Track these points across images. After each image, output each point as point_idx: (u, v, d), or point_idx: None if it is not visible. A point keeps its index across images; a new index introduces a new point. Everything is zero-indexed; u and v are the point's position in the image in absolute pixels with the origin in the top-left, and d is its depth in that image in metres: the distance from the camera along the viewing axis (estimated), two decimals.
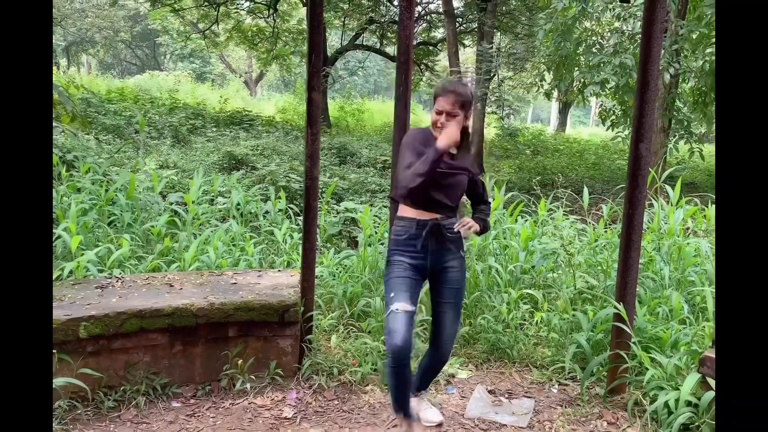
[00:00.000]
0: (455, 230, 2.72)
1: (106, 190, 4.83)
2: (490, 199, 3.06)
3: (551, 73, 13.81)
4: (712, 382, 2.80)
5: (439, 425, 3.07)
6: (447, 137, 2.53)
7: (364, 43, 21.49)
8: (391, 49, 21.52)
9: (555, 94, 16.53)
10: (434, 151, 2.52)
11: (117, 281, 3.49)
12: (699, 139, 11.68)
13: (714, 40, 9.37)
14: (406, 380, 2.62)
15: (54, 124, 7.42)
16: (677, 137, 11.44)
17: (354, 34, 20.35)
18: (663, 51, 10.98)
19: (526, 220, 5.07)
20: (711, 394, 2.75)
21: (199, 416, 3.09)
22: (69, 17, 30.86)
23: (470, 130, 2.83)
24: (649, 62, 3.20)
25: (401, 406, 2.70)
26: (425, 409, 3.10)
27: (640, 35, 12.18)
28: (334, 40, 23.35)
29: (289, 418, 3.10)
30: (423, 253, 2.70)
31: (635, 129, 3.21)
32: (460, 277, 2.80)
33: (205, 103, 19.50)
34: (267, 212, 5.66)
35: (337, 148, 13.44)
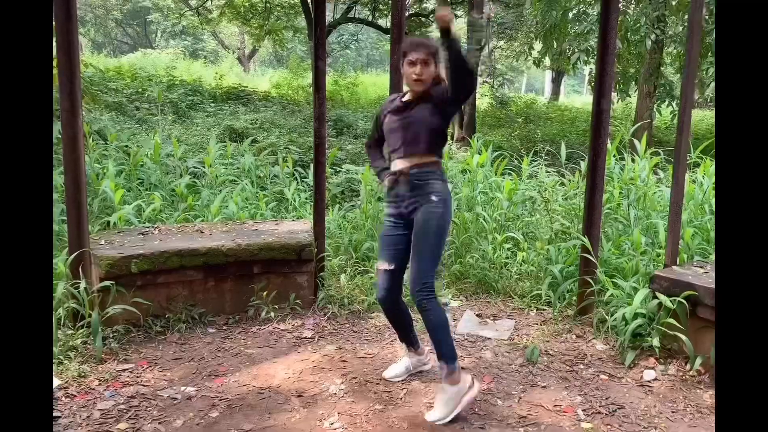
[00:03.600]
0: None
1: (133, 156, 5.37)
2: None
3: (539, 41, 14.25)
4: (660, 295, 3.38)
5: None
6: (383, 184, 3.07)
7: (357, 17, 21.77)
8: (384, 22, 21.82)
9: (547, 62, 16.94)
10: (377, 172, 3.12)
11: (155, 229, 4.05)
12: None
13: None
14: (395, 320, 3.12)
15: None
16: (659, 101, 11.95)
17: (346, 7, 20.63)
18: (645, 18, 11.44)
19: (511, 176, 5.64)
20: (655, 302, 3.35)
21: (232, 339, 3.67)
22: None
23: (440, 75, 2.88)
24: (608, 28, 3.72)
25: (402, 339, 3.20)
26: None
27: (620, 3, 12.59)
28: (326, 13, 23.56)
29: (308, 338, 3.69)
30: (397, 200, 2.94)
31: (597, 87, 3.75)
32: (427, 219, 2.83)
33: (201, 80, 19.81)
34: (275, 176, 6.20)
35: (333, 121, 13.87)
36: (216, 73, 22.31)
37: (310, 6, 18.21)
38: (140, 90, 15.24)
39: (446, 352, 2.81)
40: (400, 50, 2.93)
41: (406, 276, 2.97)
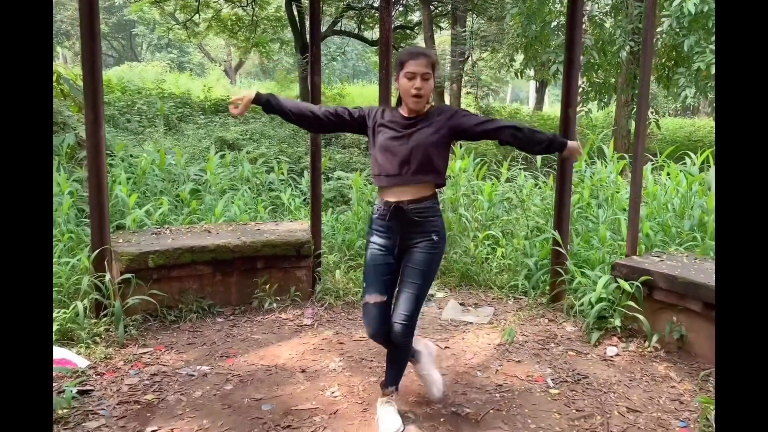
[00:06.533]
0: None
1: (140, 165, 5.76)
2: (504, 122, 2.70)
3: (520, 53, 14.79)
4: (620, 281, 3.82)
5: None
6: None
7: (343, 29, 22.26)
8: (369, 34, 22.34)
9: (531, 73, 17.49)
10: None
11: (166, 230, 4.43)
12: (656, 111, 12.77)
13: (664, 19, 10.39)
14: (388, 357, 2.85)
15: (69, 113, 8.26)
16: (634, 110, 12.49)
17: (332, 20, 21.11)
18: (620, 30, 12.00)
19: (491, 180, 6.08)
20: (614, 285, 3.79)
21: (238, 326, 4.06)
22: None
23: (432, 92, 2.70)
24: (573, 44, 4.18)
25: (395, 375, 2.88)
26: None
27: (597, 17, 13.09)
28: (320, 31, 24.01)
29: (308, 325, 4.08)
30: (390, 233, 2.70)
31: (564, 96, 4.20)
32: (428, 260, 2.68)
33: (190, 93, 20.14)
34: (270, 183, 6.60)
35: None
36: (204, 86, 22.68)
37: (297, 20, 18.67)
38: (130, 103, 15.57)
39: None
40: (397, 60, 2.63)
41: None
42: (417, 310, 2.70)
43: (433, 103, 2.73)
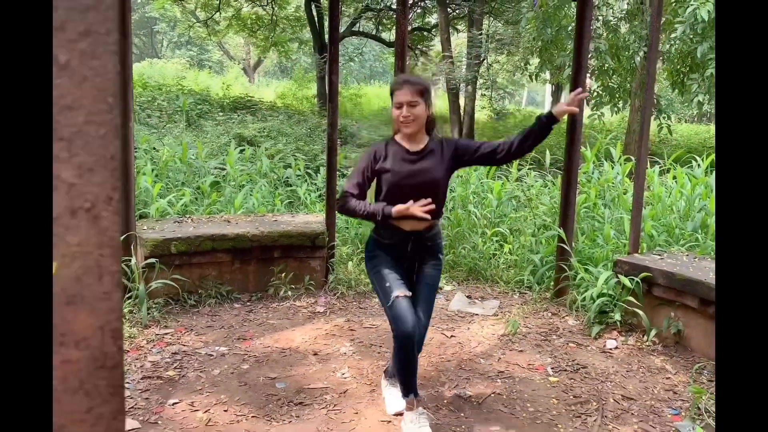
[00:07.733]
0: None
1: (163, 157, 5.99)
2: (496, 143, 2.81)
3: (535, 57, 14.91)
4: (620, 276, 3.97)
5: (399, 414, 2.92)
6: (401, 212, 2.61)
7: (361, 30, 22.48)
8: (387, 35, 22.52)
9: (546, 76, 17.57)
10: (382, 212, 2.64)
11: (188, 219, 4.65)
12: (668, 116, 12.85)
13: (678, 26, 10.48)
14: (416, 361, 2.77)
15: None
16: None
17: (351, 21, 21.33)
18: (633, 36, 12.09)
19: (501, 179, 6.25)
20: (614, 281, 3.94)
21: (255, 312, 4.26)
22: None
23: (434, 117, 2.79)
24: (581, 50, 4.34)
25: (411, 388, 2.78)
26: (395, 394, 3.00)
27: (612, 22, 13.18)
28: (339, 31, 24.22)
29: (321, 313, 4.28)
30: (403, 258, 2.80)
31: None
32: (436, 277, 2.87)
33: (209, 90, 20.44)
34: (287, 177, 6.81)
35: (338, 130, 14.44)
36: (223, 84, 22.99)
37: (316, 20, 18.90)
38: (151, 99, 15.88)
39: None
40: (390, 88, 2.75)
41: None
42: (430, 319, 2.89)
43: (436, 133, 2.81)
